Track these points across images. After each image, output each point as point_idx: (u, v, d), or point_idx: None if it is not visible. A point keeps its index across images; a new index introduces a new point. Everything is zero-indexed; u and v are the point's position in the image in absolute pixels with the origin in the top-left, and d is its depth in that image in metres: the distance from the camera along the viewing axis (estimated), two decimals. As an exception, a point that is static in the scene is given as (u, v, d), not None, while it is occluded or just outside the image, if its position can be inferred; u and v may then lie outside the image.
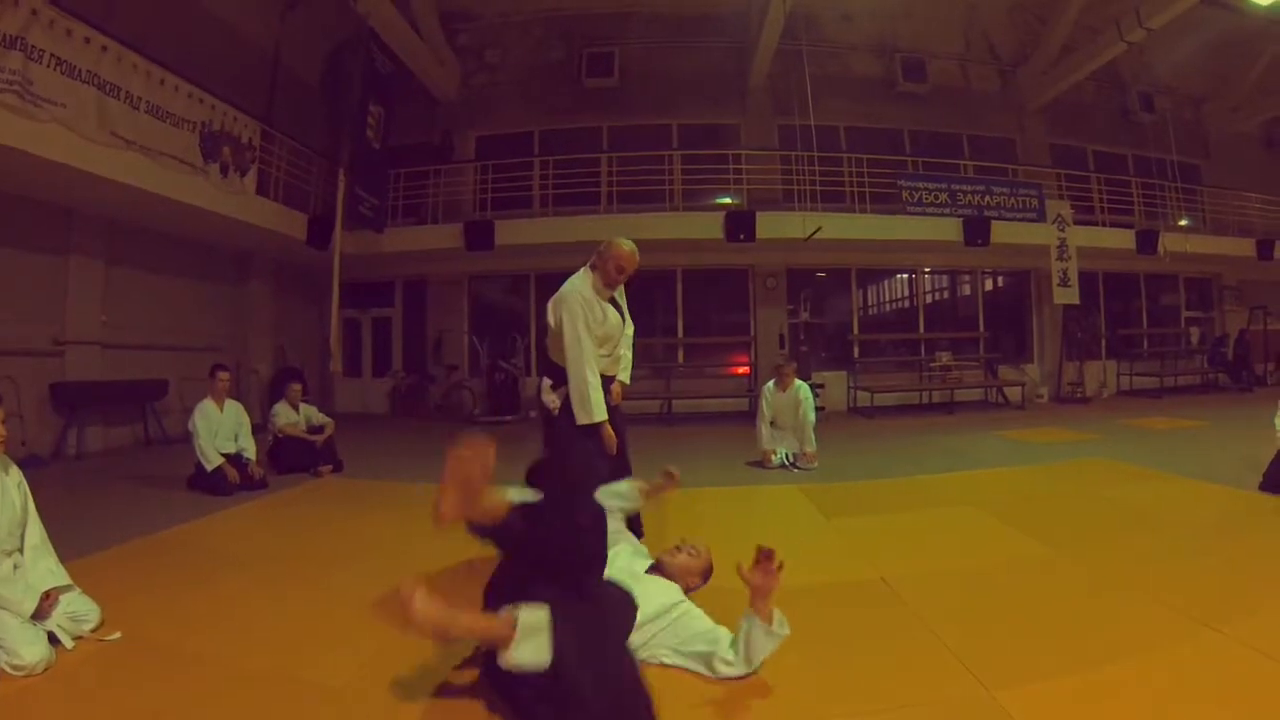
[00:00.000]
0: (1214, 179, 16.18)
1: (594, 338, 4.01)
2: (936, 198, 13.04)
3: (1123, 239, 14.03)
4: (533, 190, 13.49)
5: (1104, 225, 14.36)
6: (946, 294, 15.64)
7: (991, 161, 14.59)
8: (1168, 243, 13.78)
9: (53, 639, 2.89)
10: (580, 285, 4.05)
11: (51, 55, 7.03)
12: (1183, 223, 15.11)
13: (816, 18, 13.87)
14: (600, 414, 3.96)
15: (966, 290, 15.41)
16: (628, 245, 4.07)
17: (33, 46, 6.81)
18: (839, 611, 3.38)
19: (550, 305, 4.10)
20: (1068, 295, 13.43)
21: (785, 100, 13.23)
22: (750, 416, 12.36)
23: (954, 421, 11.37)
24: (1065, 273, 13.33)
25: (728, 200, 13.58)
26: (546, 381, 4.23)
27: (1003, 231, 12.96)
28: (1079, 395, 14.04)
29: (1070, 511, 5.08)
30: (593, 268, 4.11)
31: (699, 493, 6.18)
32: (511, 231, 12.42)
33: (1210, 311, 16.54)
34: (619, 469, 3.93)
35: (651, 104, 14.58)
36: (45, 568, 3.07)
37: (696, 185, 13.51)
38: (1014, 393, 13.74)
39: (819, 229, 11.76)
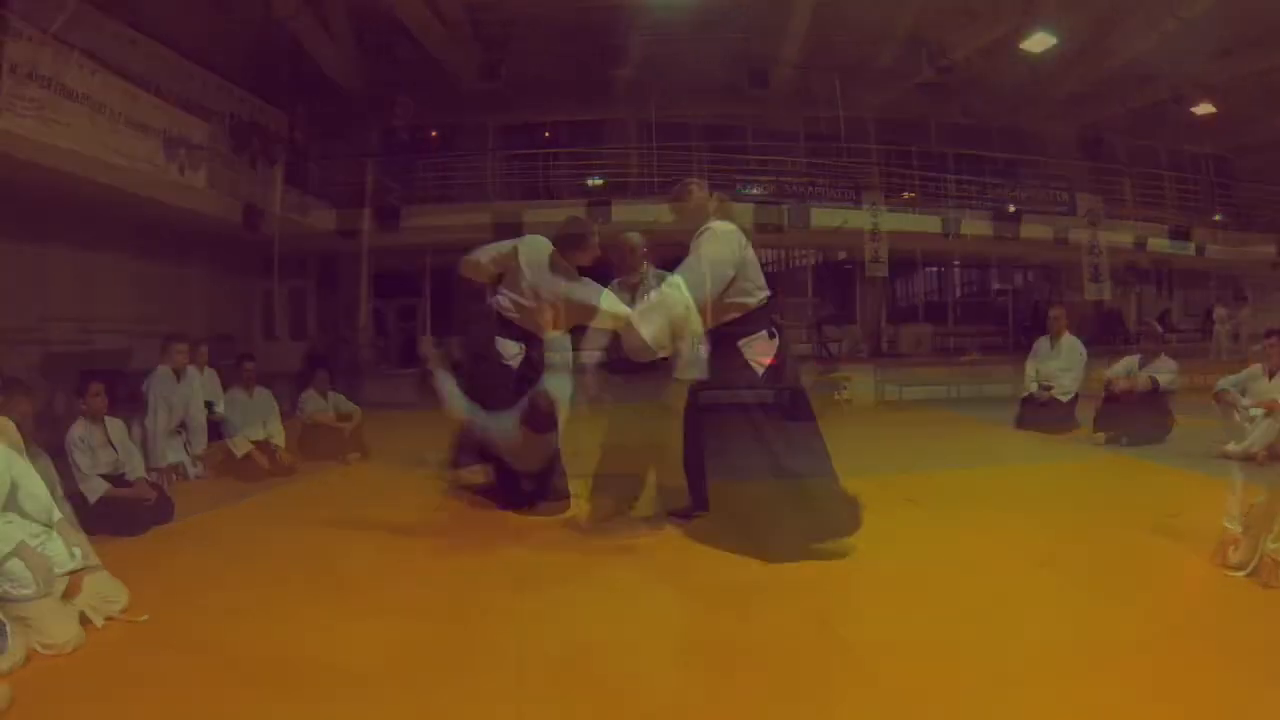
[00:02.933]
0: (1247, 174, 15.83)
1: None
2: (964, 190, 12.91)
3: (1154, 232, 13.77)
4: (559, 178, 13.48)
5: (1135, 220, 14.12)
6: (975, 288, 15.48)
7: (1021, 154, 14.36)
8: (1199, 237, 13.52)
9: (82, 619, 2.90)
10: None
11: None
12: (1215, 218, 14.81)
13: (842, 7, 13.71)
14: None
15: (996, 284, 15.24)
16: None
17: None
18: (845, 605, 3.36)
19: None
20: (1099, 291, 13.24)
21: (810, 92, 13.11)
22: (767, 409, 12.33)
23: (982, 415, 11.21)
24: (1096, 268, 13.15)
25: (754, 192, 13.51)
26: None
27: (1032, 226, 12.78)
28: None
29: (1090, 509, 4.99)
30: None
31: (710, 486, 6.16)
32: (537, 217, 12.38)
33: (1241, 307, 16.19)
34: None
35: (675, 95, 14.47)
36: (72, 544, 3.05)
37: (721, 178, 13.43)
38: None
39: (845, 221, 11.70)
